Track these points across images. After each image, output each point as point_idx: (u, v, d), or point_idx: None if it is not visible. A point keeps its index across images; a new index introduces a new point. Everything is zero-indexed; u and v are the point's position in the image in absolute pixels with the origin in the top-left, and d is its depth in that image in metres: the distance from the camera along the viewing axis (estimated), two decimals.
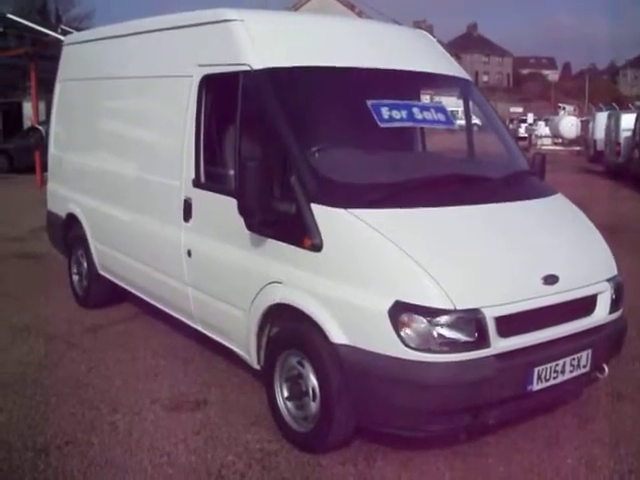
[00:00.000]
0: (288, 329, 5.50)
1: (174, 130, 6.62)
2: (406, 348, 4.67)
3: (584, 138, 43.49)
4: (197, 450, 5.46)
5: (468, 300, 4.75)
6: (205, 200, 6.22)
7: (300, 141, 5.38)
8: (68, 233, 9.23)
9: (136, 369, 7.06)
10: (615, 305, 5.69)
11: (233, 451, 5.45)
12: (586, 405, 6.31)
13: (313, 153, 5.41)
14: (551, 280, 5.14)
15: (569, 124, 49.63)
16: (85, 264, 8.90)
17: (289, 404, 5.54)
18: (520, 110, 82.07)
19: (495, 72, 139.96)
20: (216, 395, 6.44)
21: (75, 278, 9.27)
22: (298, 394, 5.39)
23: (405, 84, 6.49)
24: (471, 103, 7.08)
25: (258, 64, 5.66)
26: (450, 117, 6.16)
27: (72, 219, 8.98)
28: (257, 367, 5.91)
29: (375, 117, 5.63)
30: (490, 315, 4.76)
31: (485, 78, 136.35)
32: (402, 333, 4.67)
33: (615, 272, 5.82)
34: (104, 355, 7.43)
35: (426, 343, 4.66)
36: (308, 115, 5.79)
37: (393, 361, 4.72)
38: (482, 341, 4.75)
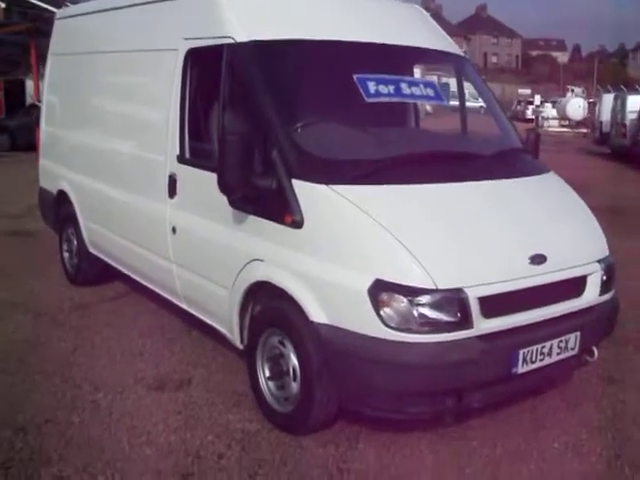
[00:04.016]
0: (269, 308, 5.39)
1: (159, 105, 6.51)
2: (386, 328, 4.55)
3: (591, 120, 43.20)
4: (177, 430, 5.37)
5: (450, 279, 4.63)
6: (190, 176, 6.11)
7: (282, 115, 5.26)
8: (59, 210, 9.13)
9: (122, 348, 6.96)
10: (606, 287, 5.56)
11: (213, 431, 5.36)
12: (575, 388, 6.20)
13: (296, 128, 5.27)
14: (538, 260, 5.01)
15: (576, 106, 49.29)
16: (75, 242, 8.80)
17: (270, 384, 5.45)
18: (528, 92, 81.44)
19: (504, 53, 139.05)
20: (200, 374, 6.35)
21: (66, 255, 9.18)
22: (279, 374, 5.29)
23: (396, 59, 6.31)
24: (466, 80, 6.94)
25: (242, 37, 5.52)
26: (440, 93, 6.02)
27: (62, 196, 8.88)
28: (240, 346, 5.81)
29: (361, 91, 5.50)
30: (473, 295, 4.63)
31: (494, 59, 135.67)
32: (382, 312, 4.55)
33: (606, 253, 5.69)
34: (91, 333, 7.34)
35: (406, 323, 4.54)
36: (292, 89, 5.65)
37: (373, 341, 4.61)
38: (465, 322, 4.63)
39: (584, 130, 45.80)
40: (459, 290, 4.61)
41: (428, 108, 12.17)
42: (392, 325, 4.55)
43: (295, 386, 5.15)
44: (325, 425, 5.28)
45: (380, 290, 4.56)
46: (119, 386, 6.10)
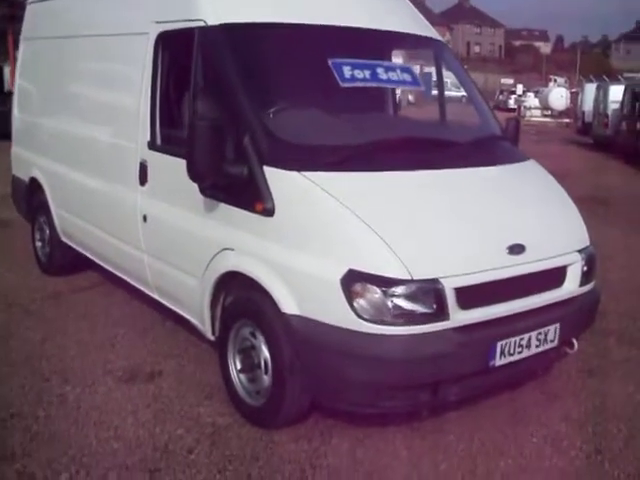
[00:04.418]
0: (241, 298, 5.24)
1: (130, 90, 6.34)
2: (359, 319, 4.41)
3: (573, 110, 43.17)
4: (146, 424, 5.23)
5: (426, 270, 4.48)
6: (160, 163, 5.95)
7: (254, 100, 5.10)
8: (31, 198, 8.93)
9: (93, 339, 6.80)
10: (586, 277, 5.44)
11: (183, 425, 5.22)
12: (555, 381, 6.09)
13: (268, 113, 5.12)
14: (517, 250, 4.88)
15: (558, 95, 49.16)
16: (47, 230, 8.61)
17: (242, 377, 5.30)
18: (511, 82, 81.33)
19: (487, 43, 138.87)
20: (172, 366, 6.21)
21: (38, 245, 8.98)
22: (250, 367, 5.15)
23: (373, 44, 6.14)
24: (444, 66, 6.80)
25: (213, 19, 5.35)
26: (417, 78, 5.88)
27: (34, 184, 8.67)
28: (212, 338, 5.66)
29: (336, 76, 5.34)
30: (449, 286, 4.49)
31: (477, 49, 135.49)
32: (355, 304, 4.41)
33: (587, 243, 5.56)
34: (62, 324, 7.17)
35: (380, 315, 4.40)
36: (265, 74, 5.47)
37: (345, 333, 4.46)
38: (440, 313, 4.49)
39: (567, 120, 45.76)
40: (435, 280, 4.47)
41: (410, 97, 12.02)
42: (365, 317, 4.41)
43: (267, 379, 5.01)
44: (298, 419, 5.15)
45: (353, 280, 4.41)
46: (88, 378, 5.95)
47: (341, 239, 4.58)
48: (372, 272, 4.40)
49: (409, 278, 4.40)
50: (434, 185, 5.08)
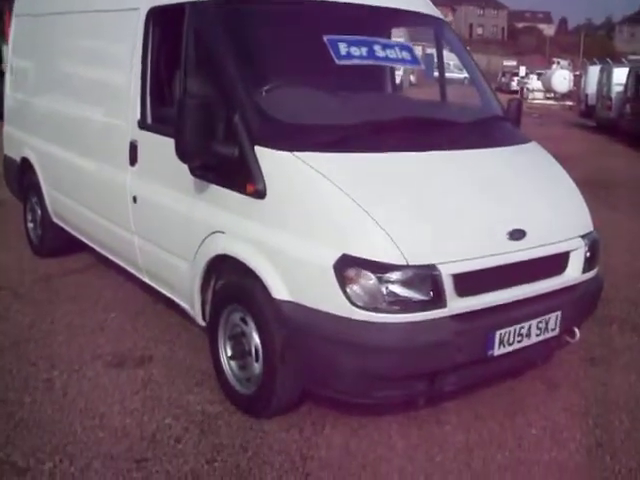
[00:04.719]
0: (231, 283, 5.08)
1: (121, 67, 6.16)
2: (352, 307, 4.23)
3: (577, 93, 42.89)
4: (133, 412, 5.08)
5: (422, 255, 4.30)
6: (151, 142, 5.77)
7: (246, 78, 4.91)
8: (23, 178, 8.74)
9: (83, 322, 6.64)
10: (589, 264, 5.26)
11: (171, 413, 5.06)
12: (556, 370, 5.92)
13: (260, 91, 4.93)
14: (517, 235, 4.69)
15: (561, 78, 48.86)
16: (39, 211, 8.43)
17: (232, 364, 5.14)
18: (514, 63, 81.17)
19: (490, 25, 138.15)
20: (163, 351, 6.05)
21: (30, 226, 8.82)
22: (241, 353, 4.98)
23: (370, 20, 5.90)
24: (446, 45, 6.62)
25: None
26: (417, 57, 5.67)
27: (26, 163, 8.48)
28: (202, 323, 5.50)
29: (332, 53, 5.14)
30: (447, 272, 4.31)
31: (480, 31, 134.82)
32: (348, 290, 4.23)
33: (591, 228, 5.37)
34: (52, 307, 7.01)
35: (374, 302, 4.22)
36: (258, 50, 5.28)
37: (338, 320, 4.29)
38: (437, 301, 4.31)
39: (569, 103, 45.48)
40: (431, 266, 4.29)
41: (412, 78, 11.82)
42: (359, 304, 4.23)
43: (257, 367, 4.85)
44: (289, 408, 4.99)
45: (347, 266, 4.23)
46: (76, 363, 5.80)
47: (334, 223, 4.40)
48: (366, 257, 4.22)
49: (405, 264, 4.22)
50: (432, 166, 4.89)
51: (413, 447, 4.72)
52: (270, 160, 4.62)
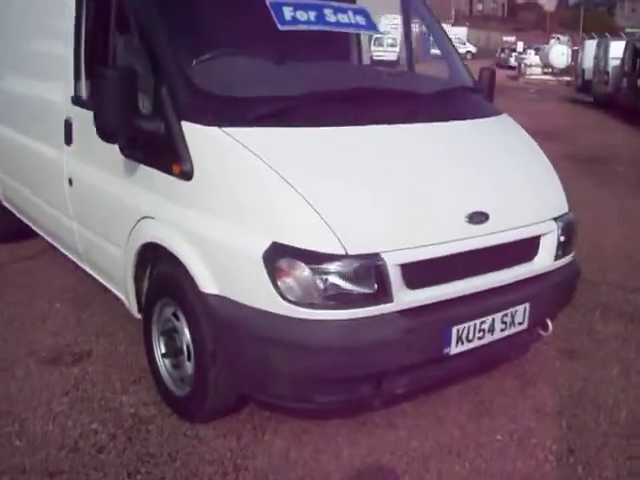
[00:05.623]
0: (163, 273, 4.59)
1: (55, 40, 5.67)
2: (284, 302, 3.74)
3: (575, 68, 42.29)
4: (58, 416, 4.61)
5: (365, 243, 3.79)
6: (86, 120, 5.19)
7: (176, 46, 4.38)
8: None
9: (25, 314, 6.16)
10: (564, 249, 4.76)
11: (100, 417, 4.59)
12: (531, 364, 5.43)
13: (192, 61, 4.42)
14: (478, 218, 4.18)
15: (559, 53, 48.01)
16: None
17: (166, 362, 4.67)
18: (513, 39, 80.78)
19: (490, 1, 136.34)
20: (103, 346, 5.58)
21: None
22: (174, 351, 4.51)
23: None
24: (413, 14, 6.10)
25: None
26: (373, 22, 5.12)
27: None
28: (137, 316, 5.02)
29: (275, 18, 4.60)
30: (393, 262, 3.81)
31: (480, 7, 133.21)
32: (280, 283, 3.73)
33: (565, 209, 4.85)
34: None
35: (309, 296, 3.72)
36: (192, 17, 4.75)
37: (269, 317, 3.80)
38: (383, 294, 3.81)
39: (567, 78, 44.83)
40: (375, 256, 3.78)
41: (393, 57, 11.28)
42: (292, 299, 3.73)
43: (190, 366, 4.37)
44: (227, 412, 4.51)
45: (278, 255, 3.73)
46: (7, 360, 5.34)
47: (264, 207, 3.88)
48: (299, 246, 3.72)
49: (343, 253, 3.71)
50: (382, 143, 4.35)
51: (361, 455, 4.23)
52: (198, 137, 4.12)
